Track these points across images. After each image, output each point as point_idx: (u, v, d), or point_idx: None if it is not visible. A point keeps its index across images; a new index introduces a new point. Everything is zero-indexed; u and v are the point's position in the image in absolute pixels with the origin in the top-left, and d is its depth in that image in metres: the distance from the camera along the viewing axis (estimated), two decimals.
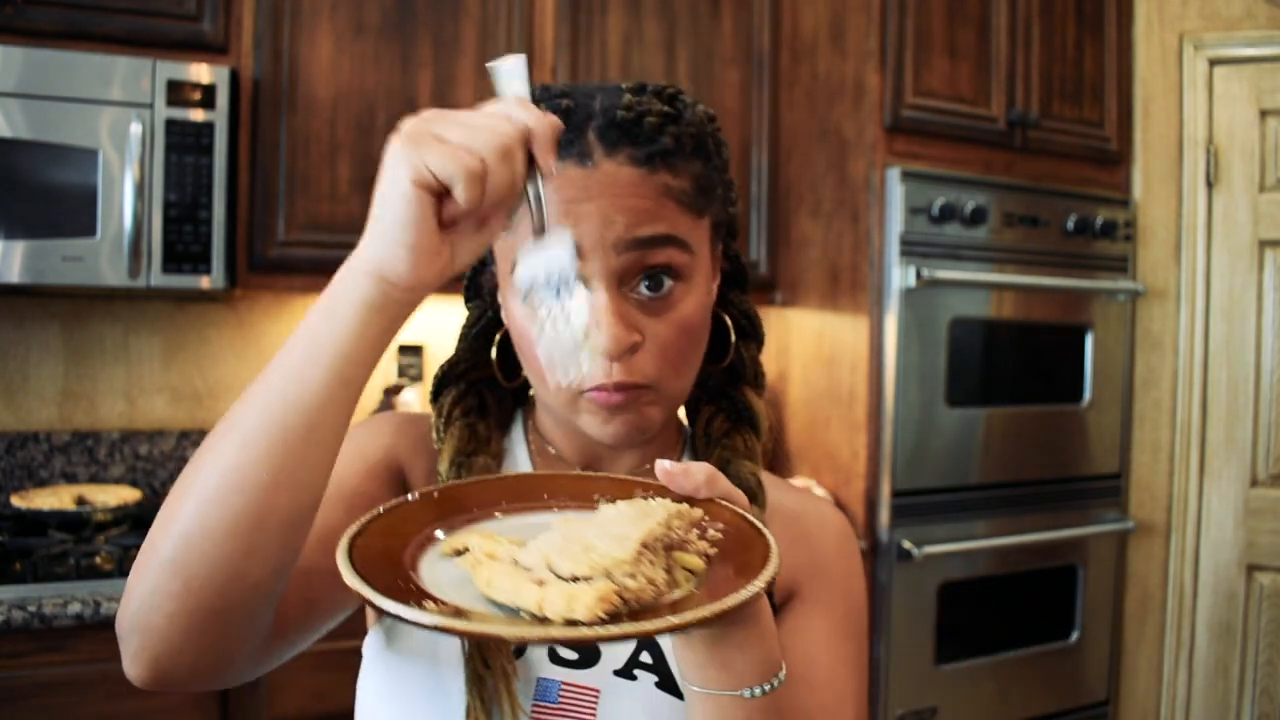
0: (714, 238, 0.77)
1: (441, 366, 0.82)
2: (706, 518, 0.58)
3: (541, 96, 0.72)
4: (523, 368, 0.77)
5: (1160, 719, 2.54)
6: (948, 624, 2.27)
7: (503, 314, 0.78)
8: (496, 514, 0.62)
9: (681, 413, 0.88)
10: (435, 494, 0.61)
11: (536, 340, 0.68)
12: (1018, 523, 2.35)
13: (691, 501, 0.59)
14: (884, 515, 2.20)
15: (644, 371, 0.70)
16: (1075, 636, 2.49)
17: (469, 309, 0.85)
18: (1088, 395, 2.47)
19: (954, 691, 2.29)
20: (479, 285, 0.84)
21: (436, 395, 0.82)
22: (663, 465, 0.60)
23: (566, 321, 0.61)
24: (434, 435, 0.79)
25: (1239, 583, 2.45)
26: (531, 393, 0.86)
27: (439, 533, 0.58)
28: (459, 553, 0.56)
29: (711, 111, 0.77)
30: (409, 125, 0.55)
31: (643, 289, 0.70)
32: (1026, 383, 2.39)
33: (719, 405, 0.84)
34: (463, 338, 0.84)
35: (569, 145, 0.69)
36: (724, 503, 0.60)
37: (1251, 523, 2.44)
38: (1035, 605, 2.44)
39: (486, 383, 0.83)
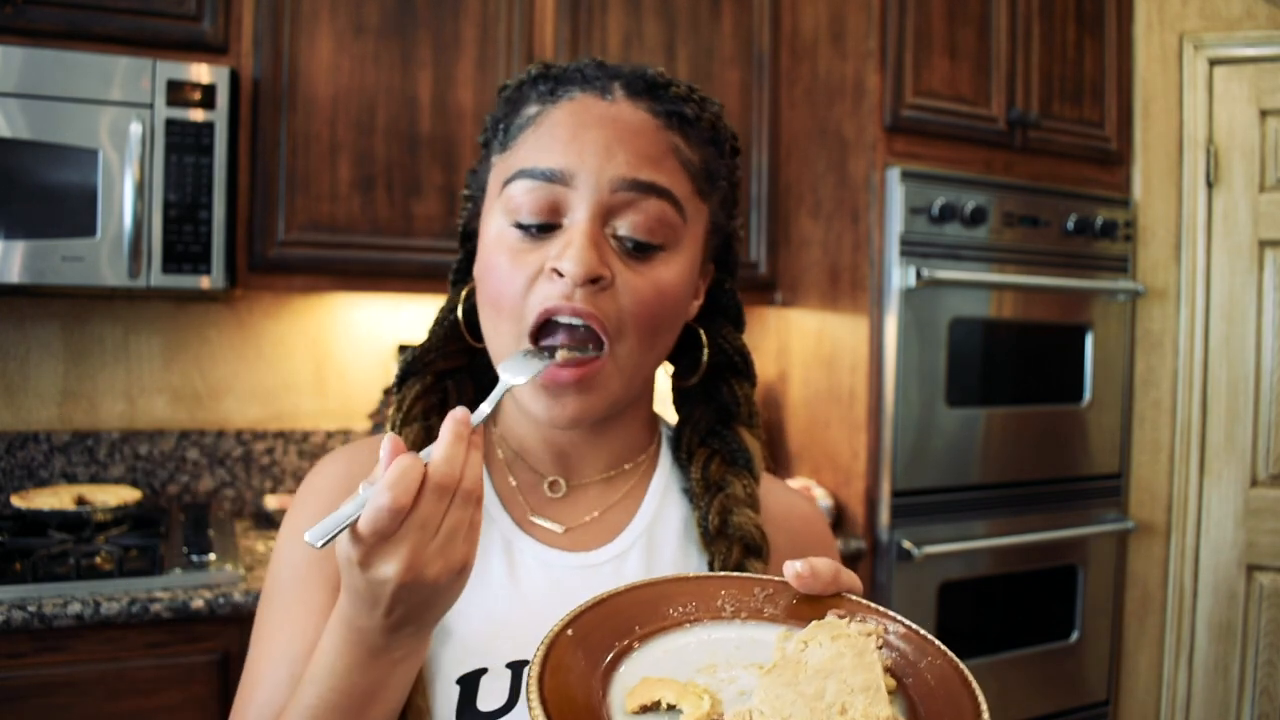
0: (709, 238, 0.75)
1: (410, 352, 0.80)
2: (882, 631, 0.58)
3: (567, 66, 0.74)
4: (480, 316, 0.74)
5: (1160, 719, 2.54)
6: (948, 624, 2.27)
7: (478, 244, 0.75)
8: (639, 645, 0.58)
9: (670, 413, 0.86)
10: (569, 632, 0.56)
11: (498, 265, 0.68)
12: (1018, 523, 2.35)
13: (818, 600, 0.60)
14: (884, 515, 2.20)
15: (607, 313, 0.67)
16: (1075, 636, 2.48)
17: (452, 291, 0.82)
18: (1088, 395, 2.47)
19: None
20: (467, 270, 0.81)
21: (400, 385, 0.79)
22: (793, 568, 0.60)
23: None
24: (387, 429, 0.76)
25: (1239, 583, 2.45)
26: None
27: (611, 688, 0.54)
28: (646, 709, 0.52)
29: (734, 130, 0.77)
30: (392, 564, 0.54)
31: (626, 239, 0.68)
32: (1026, 383, 2.39)
33: (713, 447, 0.82)
34: (438, 322, 0.81)
35: (594, 81, 0.70)
36: (853, 598, 0.60)
37: (1251, 523, 2.44)
38: (1035, 605, 2.44)
39: (453, 374, 0.81)
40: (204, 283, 1.89)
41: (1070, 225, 2.40)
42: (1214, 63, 2.47)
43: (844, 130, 2.29)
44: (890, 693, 0.53)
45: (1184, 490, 2.51)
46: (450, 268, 0.84)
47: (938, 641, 0.55)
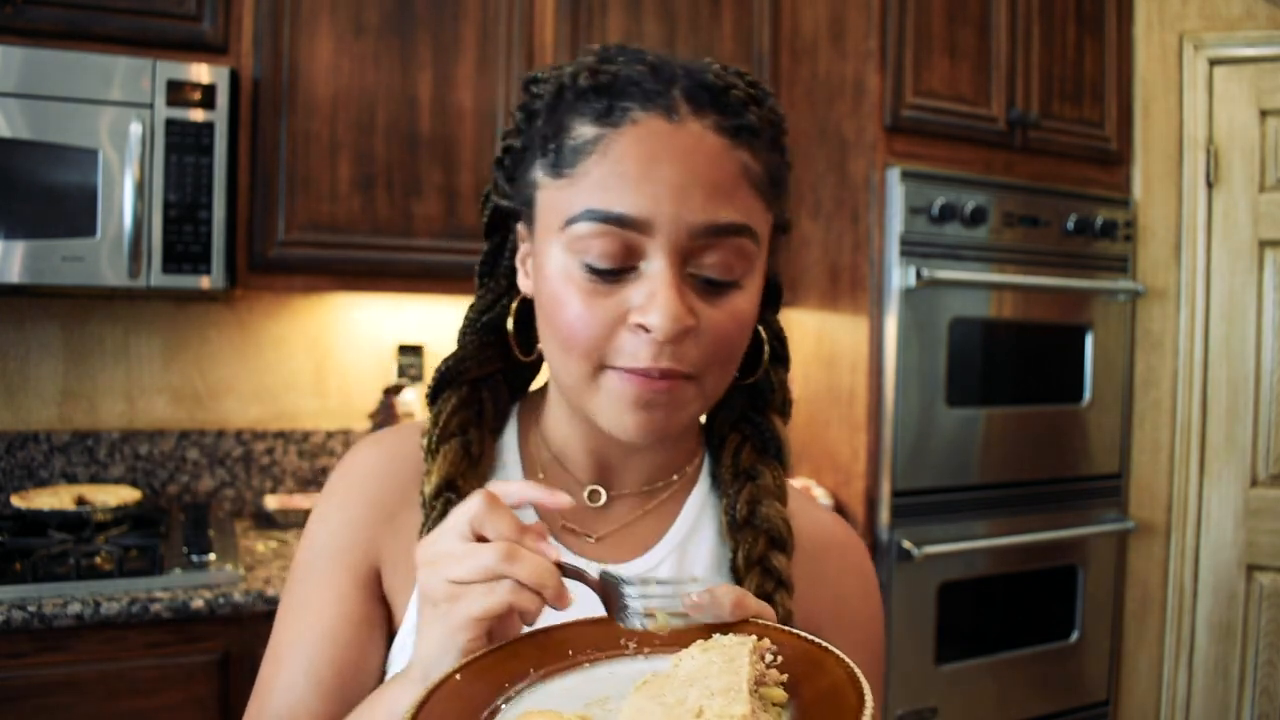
0: (772, 237, 0.72)
1: (445, 362, 0.77)
2: (769, 644, 0.56)
3: (618, 54, 0.68)
4: (540, 336, 0.71)
5: (1160, 719, 2.54)
6: (948, 624, 2.27)
7: (526, 274, 0.72)
8: (533, 686, 0.57)
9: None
10: (458, 677, 0.56)
11: (568, 303, 0.65)
12: (1018, 523, 2.35)
13: (725, 628, 0.58)
14: (884, 515, 2.20)
15: (692, 360, 0.65)
16: (1075, 636, 2.48)
17: (481, 289, 0.78)
18: (1088, 395, 2.47)
19: (954, 691, 2.29)
20: (495, 263, 0.78)
21: (435, 397, 0.77)
22: (690, 599, 0.59)
23: None
24: (425, 444, 0.75)
25: (1239, 583, 2.45)
26: (542, 383, 0.81)
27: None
28: None
29: (783, 113, 0.73)
30: (425, 583, 0.58)
31: (705, 275, 0.65)
32: (1026, 383, 2.39)
33: (744, 433, 0.80)
34: (470, 327, 0.77)
35: (655, 97, 0.64)
36: (760, 622, 0.59)
37: (1251, 523, 2.44)
38: (1035, 605, 2.44)
39: (488, 380, 0.78)
40: (204, 283, 1.89)
41: (1070, 225, 2.40)
42: (1214, 63, 2.47)
43: (844, 130, 2.29)
44: (781, 705, 0.53)
45: (1184, 490, 2.51)
46: (476, 262, 0.80)
47: (838, 652, 0.55)
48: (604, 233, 0.63)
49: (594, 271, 0.64)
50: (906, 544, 2.19)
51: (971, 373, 2.30)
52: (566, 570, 0.58)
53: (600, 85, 0.65)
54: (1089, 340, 2.47)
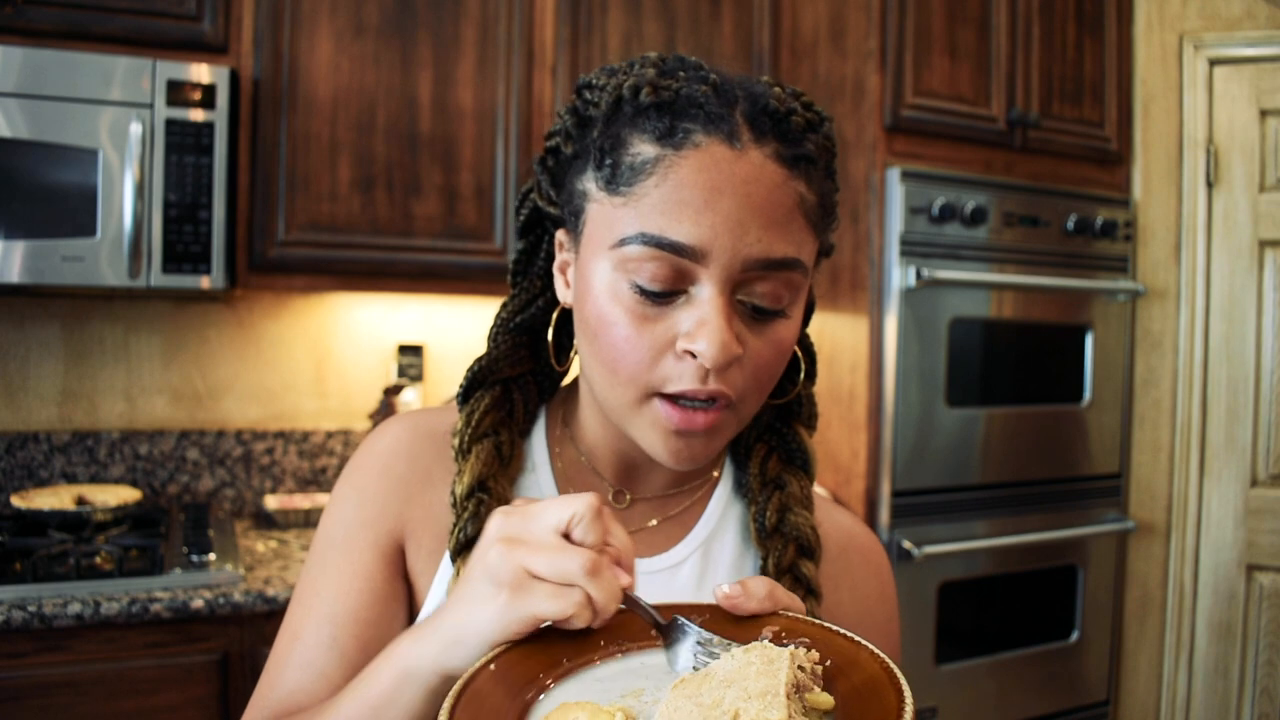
0: (816, 263, 0.72)
1: (478, 362, 0.77)
2: (811, 647, 0.56)
3: (678, 67, 0.67)
4: (580, 349, 0.71)
5: (1160, 719, 2.54)
6: (948, 624, 2.27)
7: (567, 284, 0.72)
8: (567, 676, 0.57)
9: None
10: (492, 667, 0.55)
11: (616, 324, 0.64)
12: (1018, 523, 2.35)
13: (756, 618, 0.59)
14: (884, 515, 2.20)
15: (735, 386, 0.65)
16: (1075, 636, 2.48)
17: (515, 290, 0.79)
18: (1088, 395, 2.47)
19: (954, 691, 2.29)
20: (529, 264, 0.78)
21: (467, 397, 0.77)
22: (721, 591, 0.59)
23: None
24: (456, 444, 0.75)
25: (1239, 583, 2.45)
26: (569, 381, 0.82)
27: (530, 717, 0.54)
28: None
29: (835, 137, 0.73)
30: (497, 561, 0.56)
31: (754, 303, 0.65)
32: (1026, 383, 2.39)
33: (770, 444, 0.81)
34: (503, 328, 0.78)
35: (718, 121, 0.63)
36: (790, 614, 0.59)
37: (1251, 523, 2.44)
38: (1035, 605, 2.44)
39: (519, 380, 0.79)
40: (204, 283, 1.89)
41: (1070, 225, 2.40)
42: (1214, 63, 2.47)
43: (844, 130, 2.29)
44: (827, 710, 0.53)
45: (1184, 490, 2.51)
46: (509, 263, 0.80)
47: (872, 646, 0.55)
48: (656, 257, 0.63)
49: (643, 292, 0.64)
50: (907, 544, 2.19)
51: (971, 373, 2.30)
52: (628, 599, 0.58)
53: (662, 103, 0.64)
54: (1089, 340, 2.47)
